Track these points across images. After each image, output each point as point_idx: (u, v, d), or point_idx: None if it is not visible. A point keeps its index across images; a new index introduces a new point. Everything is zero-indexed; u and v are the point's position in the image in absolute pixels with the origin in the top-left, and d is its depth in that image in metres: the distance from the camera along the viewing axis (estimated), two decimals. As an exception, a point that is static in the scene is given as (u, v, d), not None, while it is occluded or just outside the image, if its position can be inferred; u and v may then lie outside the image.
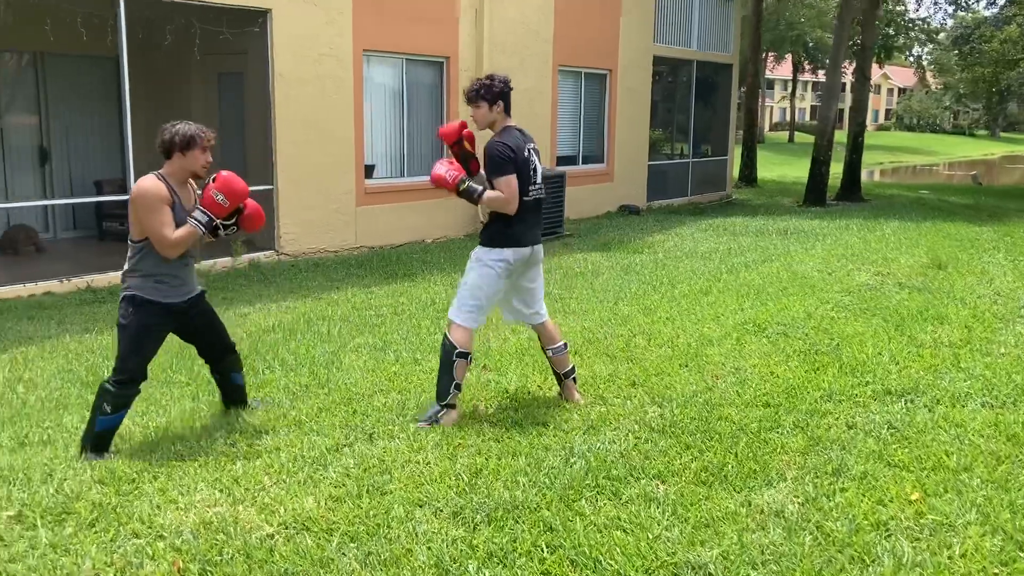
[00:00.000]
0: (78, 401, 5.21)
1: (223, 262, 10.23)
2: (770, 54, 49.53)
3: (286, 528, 3.63)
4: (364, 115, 11.68)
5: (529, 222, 4.93)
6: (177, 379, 5.73)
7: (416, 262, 10.76)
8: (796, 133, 59.94)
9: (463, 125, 5.00)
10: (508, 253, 4.85)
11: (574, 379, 5.34)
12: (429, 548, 3.43)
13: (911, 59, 55.20)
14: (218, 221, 4.48)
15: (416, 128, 12.73)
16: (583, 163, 15.91)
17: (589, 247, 12.07)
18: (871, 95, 33.30)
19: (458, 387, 4.87)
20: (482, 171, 4.92)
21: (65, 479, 4.12)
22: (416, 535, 3.55)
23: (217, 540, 3.51)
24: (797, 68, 55.92)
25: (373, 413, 5.07)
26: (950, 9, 60.63)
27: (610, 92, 16.14)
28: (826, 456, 4.38)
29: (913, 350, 6.36)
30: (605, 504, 3.83)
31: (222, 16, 10.26)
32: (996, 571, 3.30)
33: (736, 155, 22.96)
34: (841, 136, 22.62)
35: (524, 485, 4.00)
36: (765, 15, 31.71)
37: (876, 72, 51.87)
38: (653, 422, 4.88)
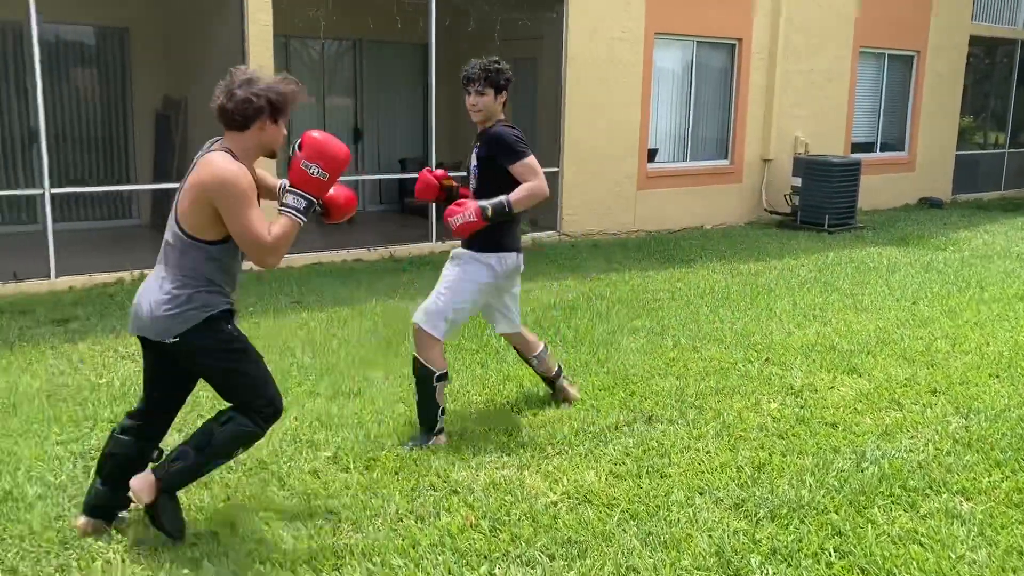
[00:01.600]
0: (382, 360, 5.70)
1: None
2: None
3: (568, 498, 3.77)
4: (651, 99, 11.68)
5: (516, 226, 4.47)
6: (468, 346, 6.09)
7: (695, 248, 10.62)
8: None
9: (434, 176, 4.50)
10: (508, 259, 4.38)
11: (565, 378, 5.00)
12: (710, 536, 3.41)
13: None
14: (317, 203, 3.20)
15: (702, 112, 12.52)
16: (881, 151, 14.86)
17: (884, 241, 11.29)
18: None
19: (443, 411, 4.37)
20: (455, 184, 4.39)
21: (372, 429, 4.53)
22: (696, 521, 3.54)
23: (505, 501, 3.71)
24: None
25: (651, 396, 5.10)
26: None
27: (916, 75, 14.90)
28: None
29: None
30: (900, 515, 3.60)
31: (522, 2, 10.66)
32: None
33: (1063, 146, 20.39)
34: None
35: (811, 485, 3.86)
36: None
37: None
38: (956, 434, 4.50)
